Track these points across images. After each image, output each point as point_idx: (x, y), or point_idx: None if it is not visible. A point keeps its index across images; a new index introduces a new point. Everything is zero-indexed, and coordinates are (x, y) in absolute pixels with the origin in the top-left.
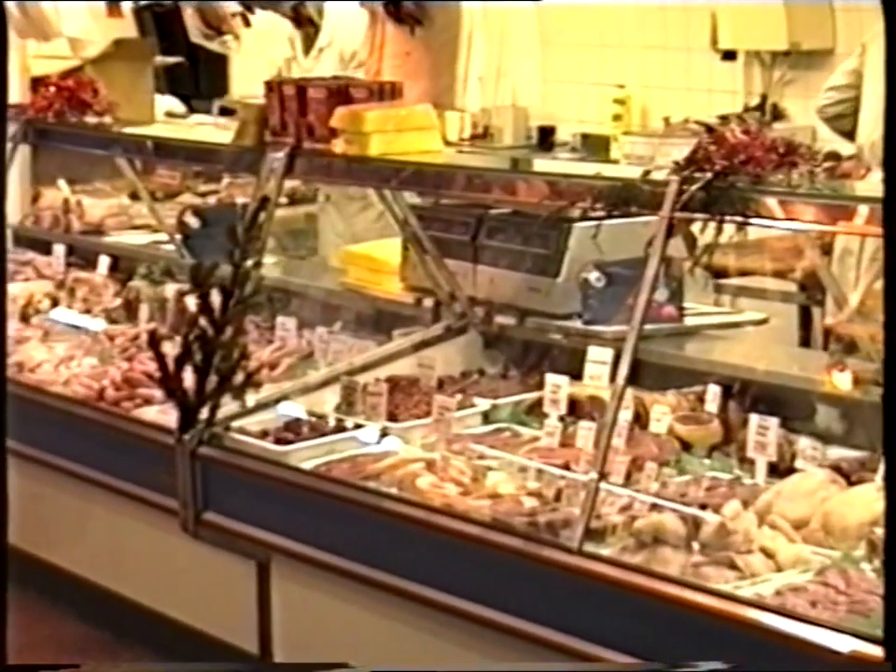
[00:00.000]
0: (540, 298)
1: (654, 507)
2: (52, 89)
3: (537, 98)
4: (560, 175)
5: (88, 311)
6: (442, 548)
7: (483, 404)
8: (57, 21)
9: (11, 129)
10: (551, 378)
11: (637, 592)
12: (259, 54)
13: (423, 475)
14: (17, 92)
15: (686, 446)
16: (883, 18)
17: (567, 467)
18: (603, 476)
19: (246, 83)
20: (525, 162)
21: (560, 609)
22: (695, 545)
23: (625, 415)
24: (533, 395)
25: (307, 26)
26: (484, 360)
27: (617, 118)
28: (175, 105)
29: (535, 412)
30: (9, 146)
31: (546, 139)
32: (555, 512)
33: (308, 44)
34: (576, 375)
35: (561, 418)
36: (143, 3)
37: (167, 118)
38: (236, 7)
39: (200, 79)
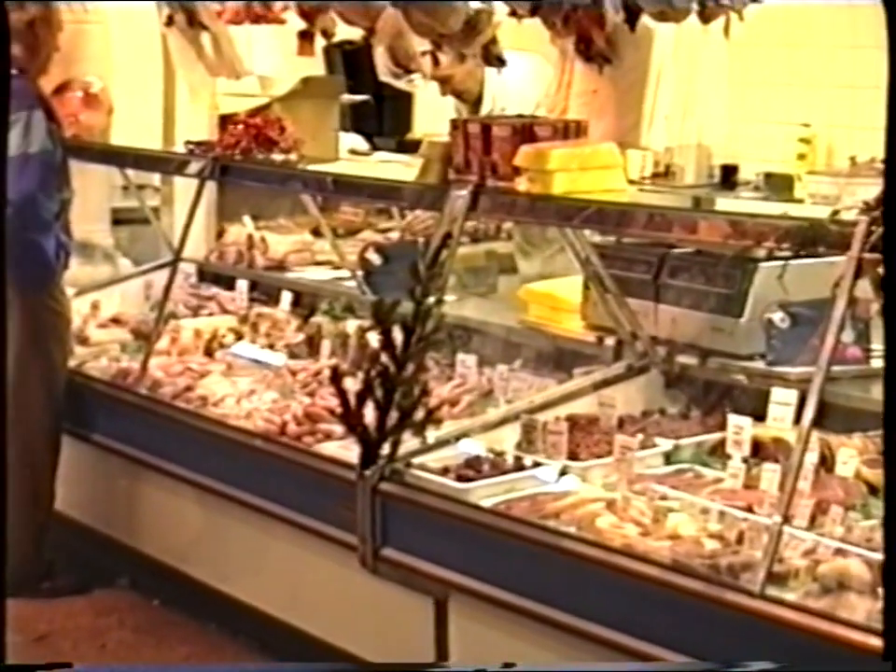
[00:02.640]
0: (723, 338)
1: (839, 551)
2: (240, 126)
3: (722, 137)
4: (746, 214)
5: (270, 346)
6: (622, 588)
7: (665, 444)
8: (248, 59)
9: (199, 165)
10: (734, 419)
11: (821, 637)
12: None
13: (603, 515)
14: (205, 130)
15: (873, 490)
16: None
17: (749, 509)
18: (787, 519)
19: (430, 121)
20: (707, 201)
21: (741, 652)
22: (881, 591)
23: (811, 458)
24: (715, 436)
25: (495, 64)
26: (665, 400)
27: (801, 157)
28: (358, 142)
29: (717, 452)
30: (196, 182)
31: (728, 178)
32: (737, 555)
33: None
34: (759, 416)
35: (744, 460)
36: (334, 41)
37: (351, 155)
38: (426, 47)
39: (384, 117)
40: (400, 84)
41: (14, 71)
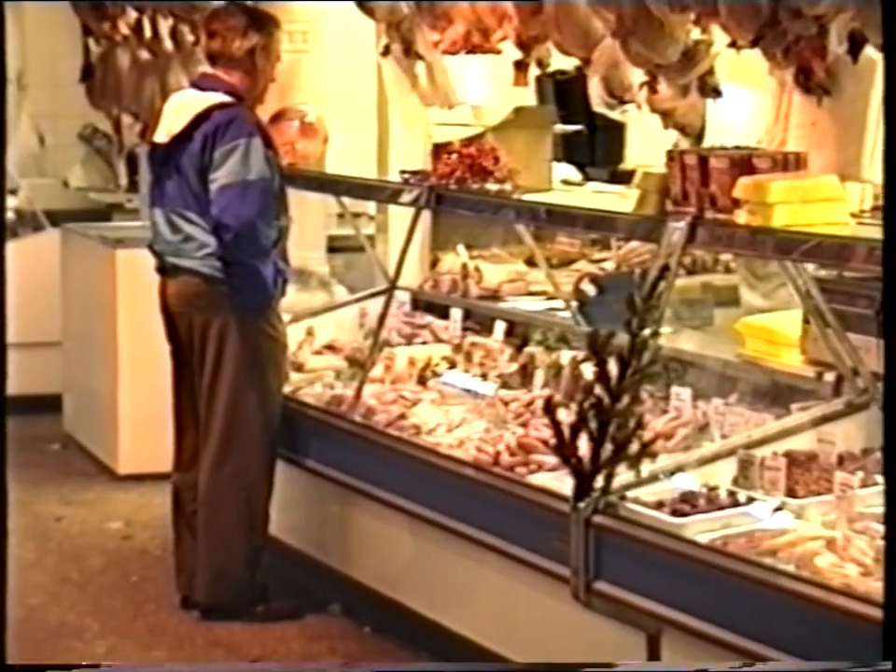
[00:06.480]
0: None
1: None
2: (454, 156)
3: None
4: None
5: (483, 375)
6: (841, 629)
7: None
8: (463, 88)
9: (414, 194)
10: None
11: None
12: (656, 123)
13: (822, 553)
14: (419, 159)
15: None
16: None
17: None
18: None
19: (642, 152)
20: None
21: None
22: None
23: None
24: None
25: (710, 95)
26: None
27: None
28: (571, 172)
29: None
30: (411, 210)
31: None
32: None
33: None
34: None
35: None
36: (548, 71)
37: (564, 185)
38: (643, 77)
39: (596, 147)
40: (614, 114)
41: (233, 99)
